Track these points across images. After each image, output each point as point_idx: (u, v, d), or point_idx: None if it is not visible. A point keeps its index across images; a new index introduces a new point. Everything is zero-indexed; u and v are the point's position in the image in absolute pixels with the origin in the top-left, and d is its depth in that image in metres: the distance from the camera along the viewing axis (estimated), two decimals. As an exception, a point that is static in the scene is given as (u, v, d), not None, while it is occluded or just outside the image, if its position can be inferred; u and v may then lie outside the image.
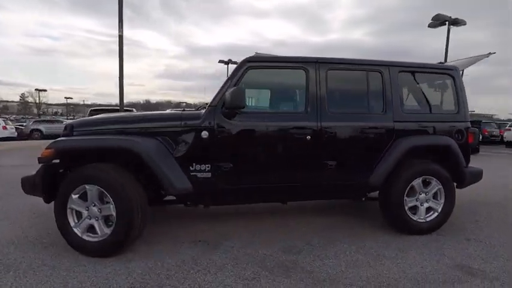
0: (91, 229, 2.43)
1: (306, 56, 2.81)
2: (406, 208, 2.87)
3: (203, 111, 2.65)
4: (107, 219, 2.43)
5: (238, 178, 2.65)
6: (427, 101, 3.15)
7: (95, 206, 2.41)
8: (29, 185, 2.40)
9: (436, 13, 12.34)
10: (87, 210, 2.42)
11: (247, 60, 2.70)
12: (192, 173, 2.57)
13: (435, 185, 2.94)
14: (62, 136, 2.56)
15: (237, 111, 2.59)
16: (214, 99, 2.64)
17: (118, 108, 8.32)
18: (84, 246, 2.40)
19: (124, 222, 2.31)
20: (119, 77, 7.78)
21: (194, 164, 2.58)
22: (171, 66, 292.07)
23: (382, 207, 3.00)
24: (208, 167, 2.60)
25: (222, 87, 2.66)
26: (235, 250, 2.58)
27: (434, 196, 2.97)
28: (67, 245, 2.47)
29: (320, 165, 2.76)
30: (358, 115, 2.86)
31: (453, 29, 12.91)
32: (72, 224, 2.43)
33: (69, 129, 2.55)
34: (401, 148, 2.81)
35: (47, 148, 2.36)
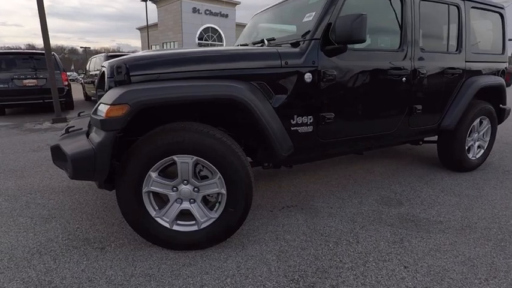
0: (181, 216, 1.75)
1: (401, -18, 2.37)
2: (466, 148, 2.98)
3: (286, 47, 2.04)
4: (204, 200, 1.77)
5: (338, 130, 2.23)
6: (483, 41, 3.15)
7: (187, 184, 1.70)
8: (87, 165, 1.48)
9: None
10: (175, 191, 1.70)
11: (348, -19, 2.11)
12: (293, 128, 2.04)
13: (486, 124, 3.10)
14: (112, 84, 1.63)
15: (344, 48, 2.06)
16: (315, 31, 2.03)
17: (42, 52, 6.19)
18: (175, 240, 1.74)
19: (240, 199, 1.71)
20: (39, 13, 5.62)
21: (295, 116, 2.04)
22: (56, 2, 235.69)
23: (443, 148, 3.04)
24: (310, 119, 2.09)
25: (322, 16, 2.05)
26: (340, 211, 2.28)
27: (483, 134, 3.15)
28: (127, 243, 1.80)
29: (410, 110, 2.54)
30: (439, 54, 2.66)
31: None
32: (152, 213, 1.70)
33: (124, 73, 1.61)
34: (472, 90, 2.80)
35: (113, 104, 1.44)
